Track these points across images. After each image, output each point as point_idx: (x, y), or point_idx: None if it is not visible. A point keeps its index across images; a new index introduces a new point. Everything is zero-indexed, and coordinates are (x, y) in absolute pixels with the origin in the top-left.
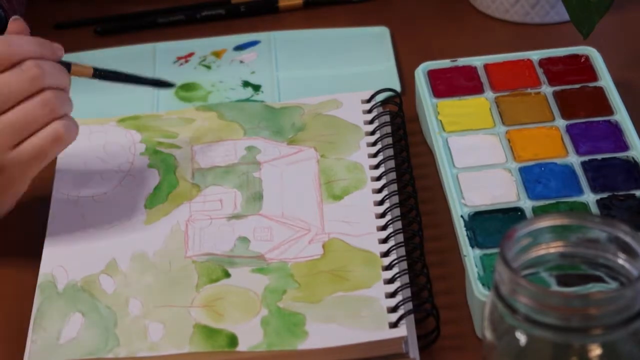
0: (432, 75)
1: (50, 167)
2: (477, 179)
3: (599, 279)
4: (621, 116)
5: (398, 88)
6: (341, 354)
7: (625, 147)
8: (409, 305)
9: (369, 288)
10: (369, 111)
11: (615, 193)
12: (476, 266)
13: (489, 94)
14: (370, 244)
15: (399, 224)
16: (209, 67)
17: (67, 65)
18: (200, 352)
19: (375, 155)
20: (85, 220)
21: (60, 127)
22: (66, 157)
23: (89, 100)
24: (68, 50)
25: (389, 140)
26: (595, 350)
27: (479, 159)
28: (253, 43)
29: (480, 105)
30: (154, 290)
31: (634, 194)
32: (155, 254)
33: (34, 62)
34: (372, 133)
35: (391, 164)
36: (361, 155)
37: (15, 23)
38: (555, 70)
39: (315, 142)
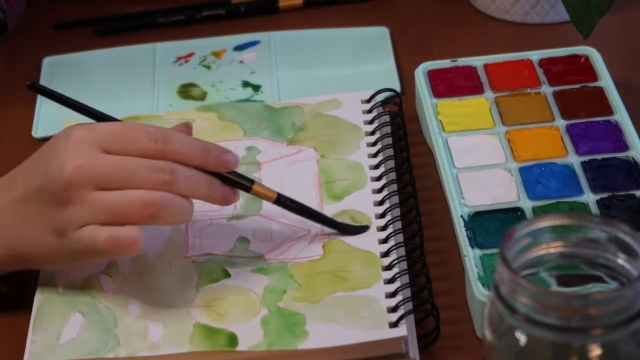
0: (432, 75)
1: None
2: (477, 179)
3: (599, 279)
4: (621, 116)
5: (398, 88)
6: (341, 354)
7: (625, 147)
8: (409, 305)
9: (369, 288)
10: (369, 111)
11: (615, 193)
12: (476, 266)
13: (489, 94)
14: (370, 244)
15: (399, 224)
16: (208, 67)
17: (250, 183)
18: (201, 352)
19: (375, 155)
20: None
21: (138, 235)
22: None
23: (89, 101)
24: (68, 50)
25: (389, 140)
26: (595, 350)
27: (479, 159)
28: (253, 43)
29: (480, 105)
30: (154, 290)
31: (634, 194)
32: (155, 254)
33: (172, 167)
34: (372, 133)
35: (391, 164)
36: (361, 155)
37: (183, 127)
38: (555, 70)
39: (315, 142)
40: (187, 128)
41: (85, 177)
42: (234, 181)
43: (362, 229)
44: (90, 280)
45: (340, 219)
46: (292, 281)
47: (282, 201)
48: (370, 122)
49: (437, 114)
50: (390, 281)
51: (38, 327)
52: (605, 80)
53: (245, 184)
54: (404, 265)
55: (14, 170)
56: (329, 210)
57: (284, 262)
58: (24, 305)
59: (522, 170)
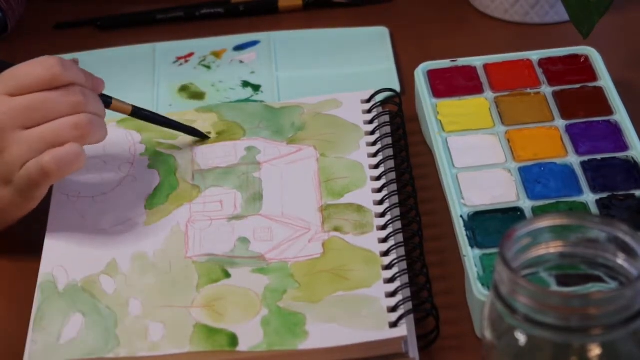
0: (432, 75)
1: None
2: (477, 179)
3: (598, 279)
4: (621, 116)
5: (398, 88)
6: (341, 354)
7: (624, 147)
8: (409, 305)
9: (369, 287)
10: (369, 111)
11: (615, 193)
12: (476, 266)
13: (489, 94)
14: (370, 243)
15: (398, 224)
16: (208, 67)
17: (108, 99)
18: (201, 352)
19: (375, 155)
20: (85, 220)
21: (79, 149)
22: None
23: None
24: (68, 49)
25: (389, 140)
26: (595, 350)
27: (479, 159)
28: (253, 43)
29: (479, 105)
30: (154, 290)
31: (634, 194)
32: (156, 254)
33: (80, 89)
34: (372, 133)
35: (391, 163)
36: (361, 155)
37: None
38: (554, 70)
39: (315, 141)
40: (74, 59)
41: (5, 123)
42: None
43: (204, 136)
44: (91, 280)
45: (340, 217)
46: (292, 281)
47: (138, 112)
48: (370, 122)
49: (436, 114)
50: (390, 280)
51: (38, 327)
52: (605, 80)
53: (106, 100)
54: (403, 265)
55: None
56: (330, 204)
57: (284, 261)
58: (24, 306)
59: (521, 170)
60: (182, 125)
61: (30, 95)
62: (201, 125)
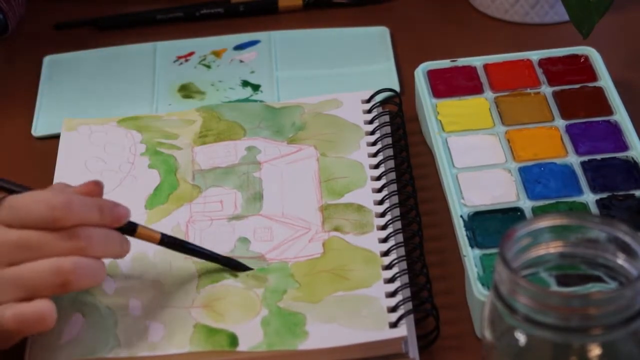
0: (432, 75)
1: (50, 167)
2: (477, 179)
3: (598, 279)
4: (621, 116)
5: (397, 88)
6: (341, 354)
7: (624, 147)
8: (409, 305)
9: (369, 287)
10: (369, 111)
11: (615, 193)
12: (476, 266)
13: (489, 94)
14: (371, 242)
15: (398, 224)
16: (208, 67)
17: (132, 227)
18: (201, 352)
19: (375, 155)
20: None
21: (47, 309)
22: (66, 157)
23: (89, 100)
24: (68, 49)
25: (389, 140)
26: (595, 350)
27: (479, 159)
28: (253, 43)
29: (479, 105)
30: (154, 290)
31: (634, 194)
32: (156, 254)
33: (86, 231)
34: (372, 133)
35: (391, 163)
36: (361, 155)
37: (90, 186)
38: (554, 70)
39: (315, 140)
40: (96, 187)
41: None
42: (121, 229)
43: (247, 268)
44: None
45: (340, 217)
46: (292, 281)
47: (167, 241)
48: (370, 121)
49: (436, 114)
50: (390, 280)
51: None
52: (605, 80)
53: (131, 228)
54: (403, 265)
55: None
56: (330, 204)
57: (284, 261)
58: None
59: (521, 170)
60: (217, 256)
61: (27, 231)
62: (199, 126)
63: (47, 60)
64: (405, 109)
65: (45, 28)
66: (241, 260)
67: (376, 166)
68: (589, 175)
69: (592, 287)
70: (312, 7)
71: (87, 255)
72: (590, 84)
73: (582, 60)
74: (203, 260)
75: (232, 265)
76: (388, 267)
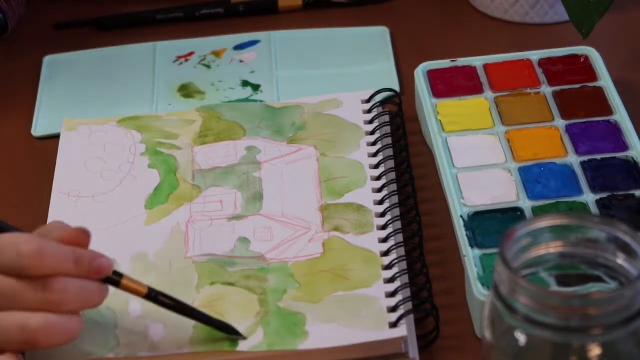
0: (432, 75)
1: (51, 167)
2: (477, 179)
3: (598, 279)
4: (621, 116)
5: (397, 88)
6: (341, 354)
7: (624, 147)
8: (409, 305)
9: (369, 287)
10: (369, 111)
11: (615, 193)
12: (476, 266)
13: (489, 94)
14: (370, 242)
15: (398, 224)
16: (208, 67)
17: (116, 280)
18: (201, 352)
19: (375, 155)
20: (85, 220)
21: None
22: (66, 157)
23: (89, 100)
24: (68, 49)
25: (389, 140)
26: (595, 350)
27: (479, 159)
28: (253, 43)
29: (479, 105)
30: None
31: (634, 194)
32: (156, 254)
33: (61, 283)
34: (372, 133)
35: (391, 163)
36: (361, 155)
37: (76, 233)
38: (554, 70)
39: (315, 140)
40: (83, 235)
41: None
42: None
43: (234, 331)
44: None
45: (340, 217)
46: (292, 281)
47: (154, 295)
48: (370, 121)
49: (436, 114)
50: (390, 280)
51: None
52: (605, 80)
53: (114, 281)
54: (403, 265)
55: None
56: (330, 204)
57: (284, 261)
58: None
59: (521, 170)
60: (209, 318)
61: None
62: (199, 126)
63: (47, 60)
64: (405, 109)
65: (45, 28)
66: (241, 260)
67: (376, 166)
68: (589, 175)
69: (592, 287)
70: (312, 7)
71: (60, 309)
72: (590, 84)
73: (582, 60)
74: (203, 261)
75: (224, 329)
76: (388, 267)
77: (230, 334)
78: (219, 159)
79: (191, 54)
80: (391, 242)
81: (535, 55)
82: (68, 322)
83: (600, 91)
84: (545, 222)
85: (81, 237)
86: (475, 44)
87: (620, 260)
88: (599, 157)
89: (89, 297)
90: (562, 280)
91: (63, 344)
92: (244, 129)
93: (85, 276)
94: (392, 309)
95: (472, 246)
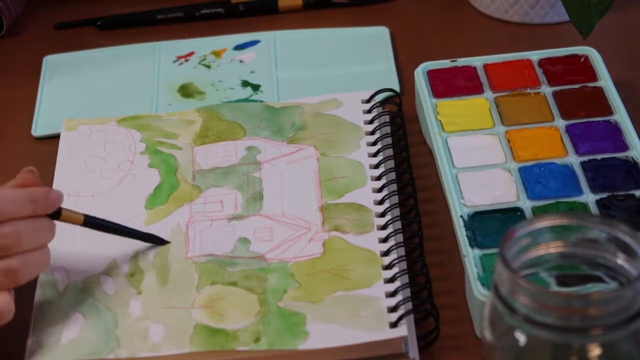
0: (432, 75)
1: (51, 167)
2: (477, 179)
3: (598, 279)
4: (620, 116)
5: (397, 88)
6: (341, 354)
7: (624, 147)
8: (409, 305)
9: (369, 287)
10: (369, 111)
11: (615, 193)
12: (476, 266)
13: (489, 94)
14: (371, 242)
15: (398, 224)
16: (208, 67)
17: (57, 213)
18: (201, 352)
19: (375, 155)
20: None
21: (4, 303)
22: (66, 157)
23: (89, 100)
24: (68, 49)
25: (389, 140)
26: (595, 350)
27: (479, 159)
28: (253, 43)
29: (479, 105)
30: (154, 291)
31: (634, 194)
32: (156, 254)
33: (12, 230)
34: (372, 133)
35: (391, 163)
36: (361, 155)
37: (26, 175)
38: (554, 70)
39: (315, 140)
40: (32, 175)
41: None
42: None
43: (160, 240)
44: (91, 281)
45: (340, 217)
46: (292, 280)
47: (89, 222)
48: (370, 121)
49: (436, 114)
50: (390, 280)
51: (38, 328)
52: (605, 80)
53: (56, 212)
54: (403, 265)
55: None
56: (330, 204)
57: (284, 261)
58: (24, 306)
59: (521, 170)
60: (136, 231)
61: None
62: (199, 126)
63: (47, 60)
64: (405, 109)
65: (45, 28)
66: (241, 260)
67: (376, 166)
68: (589, 175)
69: (592, 287)
70: (312, 7)
71: (19, 250)
72: (590, 84)
73: (582, 60)
74: (203, 261)
75: (152, 240)
76: (388, 267)
77: (159, 243)
78: (219, 159)
79: (191, 54)
80: (391, 242)
81: (535, 55)
82: (37, 253)
83: (600, 91)
84: (545, 222)
85: (30, 178)
86: (475, 44)
87: (620, 260)
88: (598, 157)
89: (42, 234)
90: (562, 281)
91: (41, 272)
92: (244, 129)
93: (43, 212)
94: (392, 309)
95: (472, 246)
